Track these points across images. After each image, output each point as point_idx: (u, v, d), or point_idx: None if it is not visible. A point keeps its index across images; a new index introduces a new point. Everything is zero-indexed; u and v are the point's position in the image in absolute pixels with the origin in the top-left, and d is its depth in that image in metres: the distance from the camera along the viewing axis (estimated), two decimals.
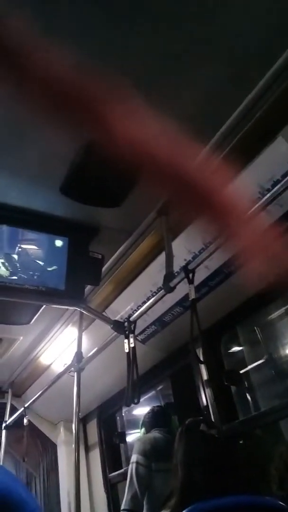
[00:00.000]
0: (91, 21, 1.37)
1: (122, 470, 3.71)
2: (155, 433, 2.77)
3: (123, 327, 2.52)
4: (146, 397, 3.56)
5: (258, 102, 1.74)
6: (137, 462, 2.65)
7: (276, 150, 1.84)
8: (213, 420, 2.66)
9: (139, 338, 2.86)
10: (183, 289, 2.25)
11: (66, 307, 2.81)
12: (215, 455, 2.00)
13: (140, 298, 2.74)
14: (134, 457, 2.70)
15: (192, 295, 2.06)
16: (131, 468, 2.68)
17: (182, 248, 2.37)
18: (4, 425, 4.18)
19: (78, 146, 1.84)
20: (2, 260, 2.21)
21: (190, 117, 1.64)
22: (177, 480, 1.89)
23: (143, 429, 2.97)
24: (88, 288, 2.73)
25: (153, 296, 2.58)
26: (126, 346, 2.44)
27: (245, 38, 1.51)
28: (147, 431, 2.89)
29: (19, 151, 1.86)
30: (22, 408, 3.91)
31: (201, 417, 2.59)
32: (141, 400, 2.41)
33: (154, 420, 2.91)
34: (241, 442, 2.71)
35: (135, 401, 2.31)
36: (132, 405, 2.40)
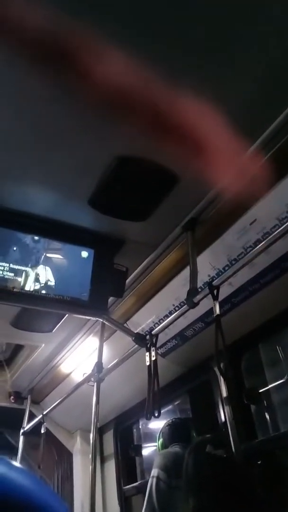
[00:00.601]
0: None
1: (137, 484, 3.69)
2: (176, 448, 2.73)
3: (144, 340, 2.53)
4: (164, 410, 3.54)
5: None
6: (157, 477, 2.59)
7: None
8: (231, 438, 2.63)
9: (159, 351, 2.87)
10: (205, 304, 2.25)
11: (89, 317, 2.84)
12: (224, 477, 1.98)
13: (162, 312, 2.74)
14: (155, 471, 2.63)
15: (217, 311, 2.06)
16: (151, 482, 2.62)
17: (207, 263, 2.37)
18: (22, 431, 4.22)
19: (108, 160, 1.88)
20: (29, 269, 2.25)
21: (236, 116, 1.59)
22: (188, 506, 1.87)
23: (161, 440, 2.93)
24: (111, 299, 2.76)
25: (175, 310, 2.59)
26: (147, 359, 2.44)
27: None
28: (166, 445, 2.85)
29: (50, 162, 1.90)
30: (41, 415, 3.94)
31: (209, 436, 2.56)
32: None
33: (174, 434, 2.87)
34: (259, 462, 2.66)
35: (156, 414, 2.30)
36: (151, 418, 2.40)
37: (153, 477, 2.62)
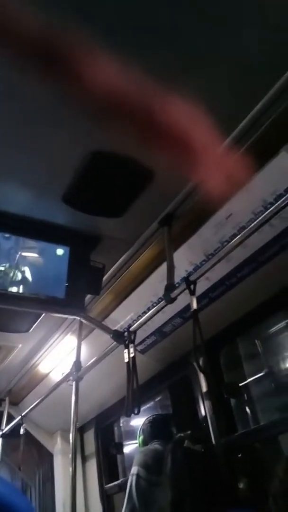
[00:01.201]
0: None
1: (119, 481, 3.67)
2: (156, 446, 2.72)
3: (123, 337, 2.51)
4: (144, 407, 3.53)
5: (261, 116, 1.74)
6: (137, 475, 2.59)
7: (279, 165, 1.85)
8: (211, 432, 2.64)
9: (138, 348, 2.85)
10: (183, 300, 2.24)
11: (66, 316, 2.80)
12: (201, 471, 1.99)
13: (140, 308, 2.73)
14: (134, 469, 2.63)
15: (194, 306, 2.05)
16: (131, 480, 2.61)
17: (184, 259, 2.36)
18: (0, 433, 4.15)
19: (82, 155, 1.85)
20: (2, 268, 2.21)
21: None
22: (167, 499, 1.88)
23: (141, 437, 2.92)
24: (88, 297, 2.73)
25: (153, 306, 2.57)
26: (126, 356, 2.42)
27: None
28: (146, 441, 2.84)
29: (23, 160, 1.86)
30: (19, 417, 3.88)
31: (189, 432, 2.57)
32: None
33: (154, 430, 2.86)
34: (239, 455, 2.68)
35: (135, 411, 2.29)
36: (131, 415, 2.38)
37: (133, 474, 2.61)
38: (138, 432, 3.00)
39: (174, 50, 1.45)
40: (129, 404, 2.29)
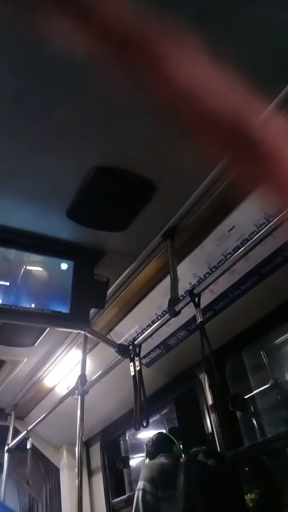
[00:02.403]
0: None
1: (125, 496, 3.64)
2: (161, 459, 2.70)
3: (127, 351, 2.51)
4: (150, 421, 3.52)
5: None
6: (143, 489, 2.56)
7: None
8: (218, 446, 2.63)
9: (143, 361, 2.85)
10: (188, 312, 2.25)
11: (71, 330, 2.81)
12: (215, 486, 1.98)
13: (145, 322, 2.73)
14: (140, 484, 2.61)
15: (200, 318, 2.06)
16: (137, 495, 2.58)
17: (187, 272, 2.37)
18: (6, 448, 4.14)
19: (85, 170, 1.87)
20: (8, 283, 2.22)
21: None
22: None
23: (147, 459, 2.91)
24: (92, 310, 2.73)
25: (158, 319, 2.58)
26: (132, 369, 2.42)
27: None
28: (151, 459, 2.83)
29: (27, 174, 1.89)
30: (25, 431, 3.87)
31: (203, 447, 2.55)
32: None
33: (157, 447, 2.85)
34: (246, 469, 2.66)
35: (144, 424, 2.28)
36: (140, 429, 2.37)
37: (139, 489, 2.59)
38: (145, 452, 2.99)
39: None
40: (137, 417, 2.29)
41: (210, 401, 2.76)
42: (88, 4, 0.44)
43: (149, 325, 2.66)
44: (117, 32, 0.45)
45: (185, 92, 0.49)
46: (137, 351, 2.47)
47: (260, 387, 2.87)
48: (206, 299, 2.32)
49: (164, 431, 3.29)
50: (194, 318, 2.19)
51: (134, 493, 2.71)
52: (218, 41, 1.20)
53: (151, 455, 2.82)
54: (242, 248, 1.97)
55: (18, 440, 3.98)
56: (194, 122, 0.54)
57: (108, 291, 2.57)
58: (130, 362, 2.47)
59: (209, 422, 2.77)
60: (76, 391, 2.95)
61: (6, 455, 4.13)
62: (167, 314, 2.27)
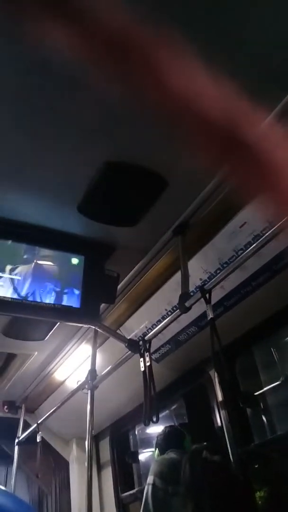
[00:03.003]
0: None
1: (134, 491, 3.66)
2: (171, 454, 2.70)
3: (137, 346, 2.51)
4: (160, 416, 3.52)
5: None
6: (153, 484, 2.56)
7: None
8: (227, 442, 2.62)
9: (153, 357, 2.85)
10: (198, 308, 2.24)
11: (81, 324, 2.82)
12: (220, 482, 1.97)
13: (155, 317, 2.73)
14: (150, 479, 2.61)
15: (211, 314, 2.05)
16: (147, 490, 2.59)
17: (198, 267, 2.36)
18: (17, 440, 4.18)
19: (96, 165, 1.86)
20: (19, 278, 2.23)
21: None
22: (185, 509, 1.88)
23: (157, 451, 2.91)
24: (103, 305, 2.74)
25: (168, 315, 2.57)
26: (141, 364, 2.42)
27: None
28: (162, 453, 2.83)
29: (38, 170, 1.89)
30: (35, 424, 3.90)
31: (206, 443, 2.55)
32: None
33: (168, 441, 2.85)
34: (256, 466, 2.65)
35: (154, 419, 2.28)
36: (149, 424, 2.37)
37: (149, 484, 2.59)
38: (154, 445, 3.00)
39: None
40: (147, 412, 2.29)
41: (220, 398, 2.75)
42: (85, 10, 0.45)
43: (159, 321, 2.65)
44: (115, 40, 0.45)
45: (182, 100, 0.49)
46: (147, 347, 2.47)
47: (270, 384, 2.85)
48: (217, 295, 2.31)
49: None
50: (204, 314, 2.18)
51: (143, 488, 2.72)
52: (216, 51, 1.20)
53: (161, 448, 2.82)
54: (254, 244, 1.95)
55: (28, 433, 4.01)
56: (194, 129, 0.54)
57: (119, 287, 2.57)
58: (140, 357, 2.46)
59: (219, 419, 2.76)
60: (86, 386, 2.96)
61: (16, 448, 4.17)
62: (177, 310, 2.26)
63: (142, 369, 2.42)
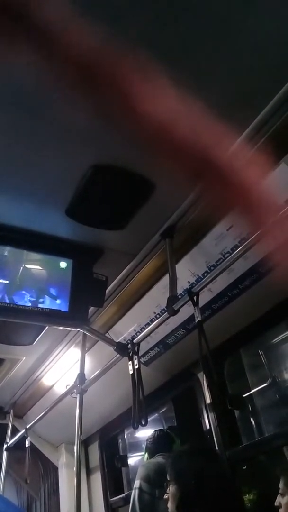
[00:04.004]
0: None
1: (123, 495, 3.65)
2: (159, 459, 2.71)
3: (126, 349, 2.52)
4: (149, 419, 3.52)
5: None
6: (140, 489, 2.58)
7: (279, 176, 1.85)
8: (216, 445, 2.63)
9: (142, 360, 2.85)
10: (186, 311, 2.25)
11: (70, 328, 2.81)
12: (205, 484, 1.97)
13: (144, 320, 2.74)
14: (137, 483, 2.62)
15: (198, 317, 2.06)
16: (134, 494, 2.60)
17: (186, 270, 2.38)
18: (5, 446, 4.14)
19: (83, 169, 1.87)
20: (7, 281, 2.22)
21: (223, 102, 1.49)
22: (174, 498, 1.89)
23: (146, 455, 2.92)
24: (91, 309, 2.74)
25: (156, 318, 2.58)
26: (130, 367, 2.43)
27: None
28: (151, 457, 2.84)
29: (25, 173, 1.89)
30: (24, 430, 3.87)
31: (189, 444, 2.55)
32: None
33: (157, 445, 2.86)
34: (244, 468, 2.66)
35: (143, 422, 2.29)
36: (138, 427, 2.37)
37: (135, 488, 2.60)
38: (144, 450, 3.00)
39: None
40: (136, 415, 2.30)
41: (208, 400, 2.76)
42: (55, 34, 0.45)
43: (148, 324, 2.66)
44: (84, 62, 0.46)
45: (153, 122, 0.50)
46: (136, 350, 2.48)
47: (258, 386, 2.87)
48: (204, 298, 2.32)
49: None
50: (192, 317, 2.19)
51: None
52: (183, 73, 1.24)
53: (150, 452, 2.83)
54: (241, 247, 1.97)
55: (16, 439, 3.99)
56: (168, 148, 0.55)
57: (107, 290, 2.57)
58: (129, 360, 2.47)
59: (208, 421, 2.78)
60: (75, 390, 2.95)
61: (4, 453, 4.14)
62: (166, 313, 2.27)
63: (131, 372, 2.43)
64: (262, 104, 1.69)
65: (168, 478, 2.05)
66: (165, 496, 2.03)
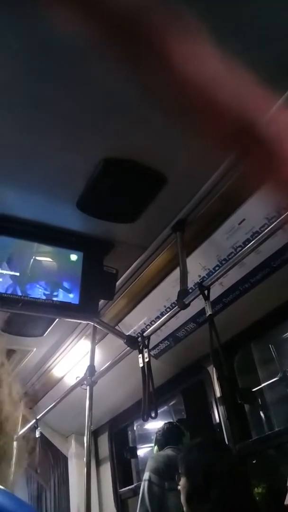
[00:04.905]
0: None
1: (132, 486, 3.67)
2: (168, 451, 2.73)
3: (136, 342, 2.52)
4: (158, 412, 3.53)
5: None
6: (149, 480, 2.59)
7: None
8: (225, 438, 2.63)
9: (152, 353, 2.85)
10: (197, 305, 2.24)
11: (80, 321, 2.82)
12: (216, 476, 1.97)
13: (154, 313, 2.73)
14: (146, 475, 2.64)
15: (209, 311, 2.05)
16: (143, 486, 2.62)
17: (197, 264, 2.36)
18: (15, 436, 4.18)
19: (94, 162, 1.86)
20: (17, 274, 2.23)
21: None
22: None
23: (156, 447, 2.93)
24: (101, 302, 2.74)
25: (166, 311, 2.58)
26: (140, 360, 2.43)
27: None
28: (160, 449, 2.85)
29: (37, 165, 1.88)
30: (34, 420, 3.90)
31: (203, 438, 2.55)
32: None
33: (166, 438, 2.87)
34: (254, 461, 2.66)
35: (153, 415, 2.29)
36: (148, 419, 2.38)
37: (145, 480, 2.62)
38: (153, 443, 3.01)
39: None
40: (145, 408, 2.30)
41: (218, 393, 2.76)
42: None
43: (158, 317, 2.66)
44: (119, 17, 0.44)
45: (190, 85, 0.48)
46: (146, 343, 2.48)
47: (268, 380, 2.86)
48: (215, 292, 2.31)
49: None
50: (203, 310, 2.18)
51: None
52: (226, 35, 1.18)
53: (160, 444, 2.84)
54: (253, 241, 1.95)
55: (27, 429, 4.02)
56: (200, 117, 0.53)
57: (117, 283, 2.57)
58: (139, 353, 2.47)
59: (217, 414, 2.78)
60: (85, 382, 2.97)
61: (15, 443, 4.18)
62: (176, 307, 2.26)
63: (141, 365, 2.43)
64: None
65: (179, 471, 2.06)
66: (179, 487, 2.04)
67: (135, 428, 4.10)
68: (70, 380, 3.48)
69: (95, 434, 4.20)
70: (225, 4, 1.31)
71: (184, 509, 1.94)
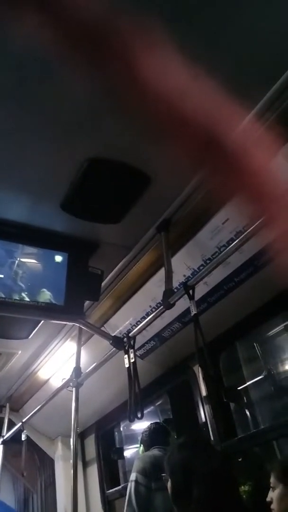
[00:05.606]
0: None
1: (120, 487, 3.67)
2: (154, 451, 2.73)
3: (122, 343, 2.52)
4: (145, 412, 3.54)
5: None
6: (136, 481, 2.60)
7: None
8: (211, 437, 2.65)
9: (138, 353, 2.86)
10: (182, 305, 2.26)
11: (65, 322, 2.81)
12: (203, 474, 1.98)
13: (139, 314, 2.74)
14: (133, 476, 2.64)
15: (194, 310, 2.06)
16: (130, 487, 2.62)
17: (182, 264, 2.38)
18: (1, 440, 4.15)
19: (78, 162, 1.86)
20: (2, 276, 2.21)
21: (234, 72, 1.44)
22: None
23: (141, 447, 2.94)
24: (87, 303, 2.73)
25: (152, 311, 2.58)
26: (126, 361, 2.43)
27: None
28: (146, 449, 2.85)
29: (21, 167, 1.87)
30: (20, 423, 3.88)
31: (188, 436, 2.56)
32: None
33: (152, 438, 2.87)
34: (239, 460, 2.68)
35: (139, 415, 2.29)
36: (134, 420, 2.38)
37: (132, 481, 2.62)
38: (139, 443, 3.01)
39: None
40: (131, 408, 2.30)
41: (204, 393, 2.78)
42: None
43: (144, 317, 2.66)
44: (87, 28, 0.44)
45: (159, 97, 0.48)
46: (132, 343, 2.48)
47: (253, 379, 2.89)
48: (200, 291, 2.33)
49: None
50: (188, 310, 2.19)
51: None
52: (196, 46, 1.20)
53: (146, 445, 2.84)
54: (236, 240, 1.97)
55: (13, 432, 3.99)
56: (172, 128, 0.53)
57: (103, 284, 2.57)
58: (125, 354, 2.47)
59: (203, 414, 2.79)
60: (71, 383, 2.96)
61: (1, 447, 4.15)
62: (162, 307, 2.27)
63: (127, 365, 2.43)
64: (273, 80, 1.61)
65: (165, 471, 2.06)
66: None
67: (121, 429, 4.11)
68: (56, 383, 3.47)
69: (81, 436, 4.19)
70: (195, 17, 1.35)
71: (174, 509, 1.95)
